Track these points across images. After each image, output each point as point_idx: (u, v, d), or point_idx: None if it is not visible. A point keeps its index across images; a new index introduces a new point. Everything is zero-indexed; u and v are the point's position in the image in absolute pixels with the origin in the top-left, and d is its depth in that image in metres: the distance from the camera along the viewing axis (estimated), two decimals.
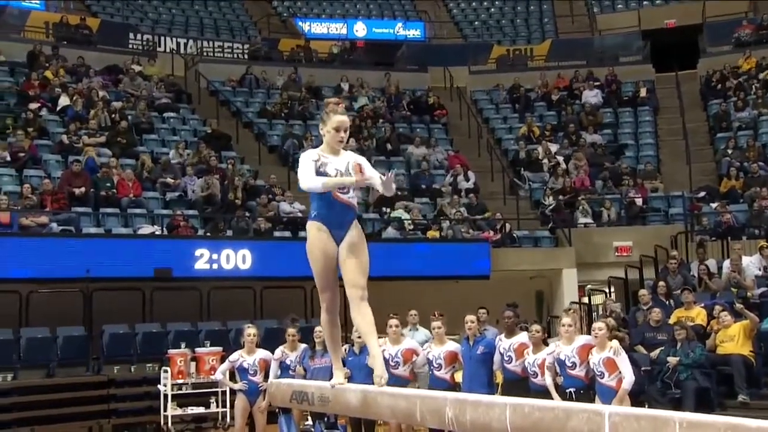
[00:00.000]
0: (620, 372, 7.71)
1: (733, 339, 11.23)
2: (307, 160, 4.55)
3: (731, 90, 20.78)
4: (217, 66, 22.31)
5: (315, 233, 4.52)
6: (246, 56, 23.49)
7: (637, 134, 21.12)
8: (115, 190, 15.15)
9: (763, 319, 12.17)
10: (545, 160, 19.37)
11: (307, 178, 4.48)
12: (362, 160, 4.72)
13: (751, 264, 13.75)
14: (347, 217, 4.56)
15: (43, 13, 21.98)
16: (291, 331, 9.32)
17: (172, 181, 16.16)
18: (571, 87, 22.40)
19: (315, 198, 4.57)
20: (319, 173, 4.47)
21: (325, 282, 4.54)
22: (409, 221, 16.89)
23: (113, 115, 17.59)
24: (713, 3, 24.41)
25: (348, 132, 4.63)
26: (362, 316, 4.42)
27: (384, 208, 17.33)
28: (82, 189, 14.72)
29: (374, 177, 4.65)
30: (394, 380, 8.17)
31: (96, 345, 13.23)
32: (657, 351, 11.24)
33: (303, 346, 9.34)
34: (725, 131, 19.73)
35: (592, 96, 21.70)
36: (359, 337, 9.29)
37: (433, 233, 16.69)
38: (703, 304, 12.32)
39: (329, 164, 4.49)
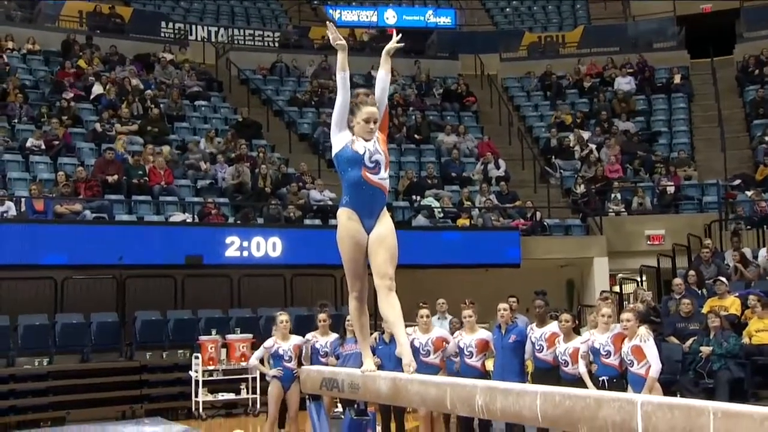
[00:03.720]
0: (648, 359, 7.64)
1: None
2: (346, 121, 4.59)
3: None
4: (247, 54, 22.39)
5: (345, 221, 4.48)
6: (277, 44, 23.60)
7: (671, 122, 20.89)
8: (147, 178, 15.29)
9: None
10: (577, 148, 19.24)
11: (345, 93, 4.50)
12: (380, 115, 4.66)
13: None
14: (378, 202, 4.50)
15: (77, 3, 22.12)
16: (322, 316, 9.33)
17: (203, 165, 16.30)
18: (603, 74, 22.19)
19: (345, 181, 4.51)
20: (346, 147, 4.46)
21: (354, 271, 4.49)
22: (440, 209, 16.86)
23: (145, 104, 17.72)
24: None
25: (378, 122, 4.54)
26: (390, 307, 4.37)
27: (414, 196, 17.33)
28: (115, 177, 14.88)
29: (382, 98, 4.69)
30: (425, 368, 8.20)
31: (129, 331, 13.42)
32: (690, 341, 11.15)
33: (334, 335, 9.34)
34: (762, 118, 19.48)
35: (625, 83, 21.49)
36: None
37: (463, 221, 16.65)
38: (737, 294, 12.20)
39: (358, 142, 4.48)
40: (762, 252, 13.93)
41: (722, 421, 2.56)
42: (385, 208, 4.57)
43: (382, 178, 4.48)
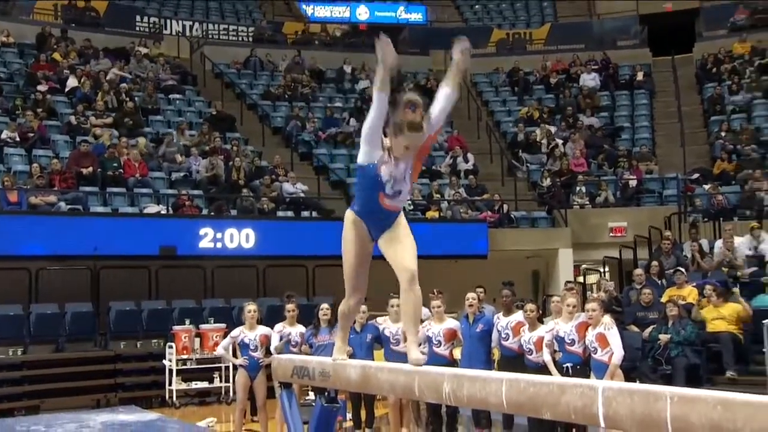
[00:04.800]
0: (611, 347, 7.74)
1: (724, 318, 11.30)
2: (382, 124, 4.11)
3: (726, 74, 20.74)
4: (222, 48, 22.35)
5: (350, 225, 4.22)
6: (250, 39, 23.50)
7: (634, 117, 21.09)
8: (121, 170, 15.16)
9: (751, 299, 12.26)
10: (543, 142, 19.36)
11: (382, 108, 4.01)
12: (428, 132, 4.10)
13: (741, 244, 13.79)
14: (389, 220, 4.18)
15: None
16: (290, 306, 9.29)
17: (178, 158, 16.24)
18: (569, 71, 22.35)
19: (360, 193, 4.22)
20: (370, 167, 4.06)
21: (352, 273, 4.27)
22: (410, 201, 16.89)
23: (120, 97, 17.59)
24: None
25: (417, 149, 4.08)
26: (407, 302, 4.08)
27: None
28: (90, 169, 14.73)
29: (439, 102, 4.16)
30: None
31: (103, 321, 13.31)
32: (649, 329, 11.30)
33: (301, 326, 9.28)
34: (719, 114, 19.73)
35: (589, 79, 21.66)
36: (360, 314, 9.34)
37: (432, 213, 16.71)
38: (695, 284, 12.36)
39: (386, 165, 4.06)
40: (718, 243, 14.09)
41: (678, 405, 2.61)
42: (399, 217, 4.25)
43: (399, 201, 4.17)
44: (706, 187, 17.12)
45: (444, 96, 4.11)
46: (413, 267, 4.05)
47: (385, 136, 4.08)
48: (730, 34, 22.34)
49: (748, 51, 21.15)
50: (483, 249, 15.63)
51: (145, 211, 14.48)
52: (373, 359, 8.71)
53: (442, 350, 8.82)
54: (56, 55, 18.72)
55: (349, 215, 4.21)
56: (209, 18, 24.16)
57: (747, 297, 12.30)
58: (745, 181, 16.82)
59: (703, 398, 2.57)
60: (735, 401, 2.46)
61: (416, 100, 4.01)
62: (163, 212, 14.51)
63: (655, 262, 13.40)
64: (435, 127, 4.09)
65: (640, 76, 21.78)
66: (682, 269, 12.88)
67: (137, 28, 22.19)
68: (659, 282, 12.90)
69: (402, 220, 4.21)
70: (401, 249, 4.10)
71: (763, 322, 11.04)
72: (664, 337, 10.96)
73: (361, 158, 4.10)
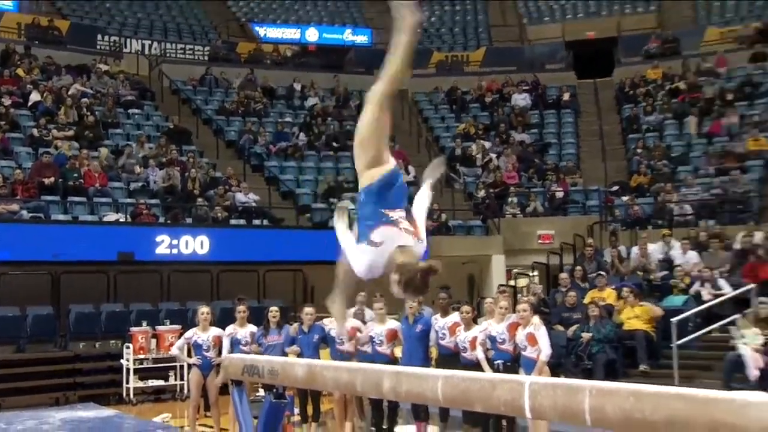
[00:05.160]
0: (540, 345, 7.87)
1: (638, 317, 11.56)
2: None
3: (641, 96, 21.16)
4: (179, 66, 22.06)
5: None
6: (206, 58, 23.26)
7: (560, 134, 21.40)
8: (82, 180, 14.91)
9: (662, 299, 12.59)
10: (478, 157, 19.55)
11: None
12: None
13: (655, 250, 14.13)
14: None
15: (16, 15, 21.43)
16: (241, 308, 9.24)
17: (136, 169, 16.05)
18: (502, 91, 22.62)
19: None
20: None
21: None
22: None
23: (81, 111, 17.28)
24: (627, 19, 24.97)
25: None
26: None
27: (332, 199, 17.32)
28: (52, 179, 14.45)
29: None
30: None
31: (63, 323, 13.13)
32: (573, 328, 11.51)
33: (251, 326, 9.25)
34: (636, 133, 20.09)
35: (521, 99, 21.94)
36: (309, 315, 9.33)
37: None
38: (614, 286, 12.61)
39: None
40: (634, 250, 14.40)
41: (596, 397, 2.68)
42: None
43: None
44: (624, 198, 17.45)
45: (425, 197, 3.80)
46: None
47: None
48: (645, 61, 22.83)
49: (660, 76, 21.66)
50: (424, 255, 15.65)
51: (104, 219, 14.29)
52: (319, 358, 8.72)
53: (384, 349, 8.87)
54: (20, 71, 18.31)
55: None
56: (167, 37, 23.84)
57: (658, 298, 12.65)
58: (657, 194, 17.17)
59: (617, 390, 2.65)
60: (645, 392, 2.55)
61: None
62: (121, 220, 14.33)
63: (578, 267, 13.65)
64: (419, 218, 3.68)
65: (566, 96, 22.13)
66: (603, 273, 13.14)
67: (98, 47, 21.77)
68: (582, 285, 13.13)
69: None
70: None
71: (672, 320, 11.38)
72: (586, 336, 11.17)
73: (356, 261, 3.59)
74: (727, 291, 12.14)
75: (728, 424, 2.19)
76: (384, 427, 9.04)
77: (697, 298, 12.30)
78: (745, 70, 20.91)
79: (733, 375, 9.92)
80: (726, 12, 24.71)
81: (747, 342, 10.02)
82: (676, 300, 12.52)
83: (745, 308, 11.30)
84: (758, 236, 13.44)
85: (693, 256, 13.49)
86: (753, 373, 9.67)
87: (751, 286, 11.92)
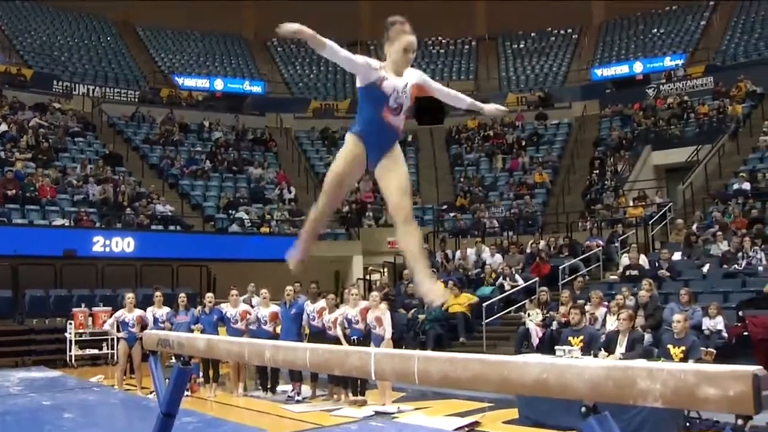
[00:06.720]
0: (384, 325, 7.99)
1: (460, 303, 11.94)
2: (364, 57, 2.94)
3: (464, 140, 21.94)
4: (115, 105, 21.43)
5: (348, 143, 3.04)
6: (137, 99, 22.54)
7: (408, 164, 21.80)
8: (37, 193, 14.60)
9: (476, 289, 13.05)
10: None
11: (342, 51, 2.84)
12: (424, 80, 3.12)
13: (471, 253, 14.65)
14: (389, 140, 3.03)
15: None
16: (158, 294, 9.30)
17: (75, 183, 15.65)
18: None
19: (362, 114, 3.02)
20: (372, 85, 2.92)
21: (334, 182, 3.06)
22: (248, 221, 16.64)
23: (38, 138, 16.86)
24: (453, 84, 25.33)
25: (414, 53, 2.99)
26: (409, 237, 2.93)
27: (231, 211, 17.02)
28: (13, 191, 14.19)
29: (452, 92, 3.31)
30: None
31: (20, 304, 12.83)
32: (412, 311, 11.74)
33: (167, 308, 9.31)
34: (460, 166, 20.78)
35: None
36: (210, 301, 9.07)
37: (265, 229, 16.50)
38: (442, 280, 12.95)
39: (388, 80, 2.94)
40: (458, 253, 14.88)
41: (423, 362, 2.74)
42: (396, 144, 3.09)
43: (401, 119, 3.04)
44: (452, 214, 18.02)
45: (460, 95, 3.29)
46: (408, 206, 2.98)
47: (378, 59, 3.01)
48: (466, 114, 23.64)
49: (477, 126, 22.53)
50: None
51: (54, 223, 13.97)
52: (218, 334, 8.52)
53: (268, 327, 8.80)
54: None
55: (349, 136, 3.04)
56: (107, 83, 23.04)
57: (473, 289, 13.11)
58: (474, 212, 17.84)
59: (438, 357, 2.73)
60: (457, 358, 2.64)
61: (400, 18, 2.98)
62: (66, 224, 14.00)
63: None
64: (426, 84, 3.12)
65: (410, 138, 22.62)
66: (435, 270, 13.47)
67: (54, 89, 20.99)
68: None
69: (398, 150, 3.06)
70: (396, 182, 2.97)
71: (483, 304, 11.84)
72: (421, 317, 11.42)
73: (360, 82, 2.97)
74: (521, 283, 12.62)
75: (512, 379, 2.30)
76: (268, 386, 8.92)
77: (501, 288, 12.72)
78: (533, 124, 22.17)
79: (523, 343, 10.29)
80: (520, 83, 26.18)
81: (532, 319, 10.45)
82: (485, 290, 12.91)
83: (532, 295, 11.79)
84: (542, 243, 14.22)
85: (498, 257, 13.99)
86: (535, 341, 10.15)
87: (536, 279, 12.46)
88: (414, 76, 3.04)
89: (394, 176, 2.98)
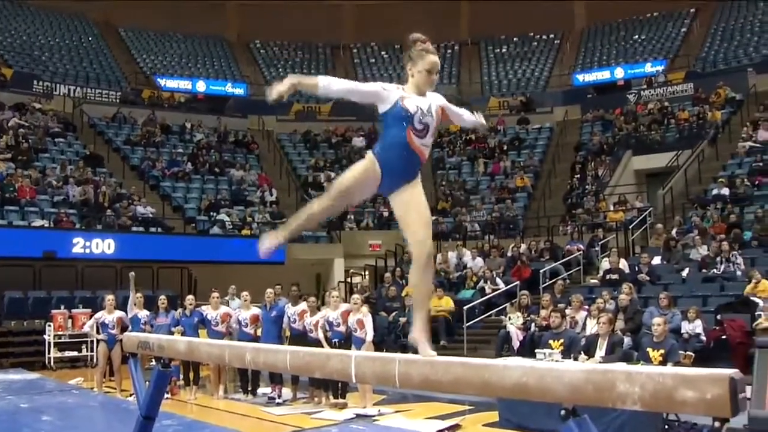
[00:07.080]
0: (366, 328, 7.97)
1: (441, 306, 11.95)
2: (376, 83, 2.86)
3: (446, 143, 22.02)
4: (96, 106, 21.08)
5: (365, 162, 2.87)
6: (118, 100, 22.25)
7: None
8: (16, 193, 14.35)
9: (457, 292, 13.09)
10: (326, 183, 19.61)
11: (344, 83, 2.77)
12: (445, 103, 2.97)
13: (452, 257, 14.70)
14: (412, 167, 2.83)
15: None
16: (138, 295, 9.18)
17: (55, 184, 15.38)
18: (345, 134, 22.88)
19: (385, 137, 2.82)
20: (394, 106, 2.77)
21: (339, 193, 2.93)
22: (230, 222, 16.53)
23: (18, 139, 16.56)
24: (436, 88, 25.83)
25: (438, 73, 2.89)
26: (419, 288, 2.90)
27: (212, 213, 16.91)
28: None
29: (464, 113, 3.16)
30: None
31: None
32: (393, 314, 11.74)
33: (146, 311, 9.20)
34: (442, 170, 20.85)
35: (358, 141, 22.24)
36: (190, 303, 9.00)
37: (246, 232, 16.42)
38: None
39: (409, 99, 2.79)
40: (439, 256, 14.90)
41: (403, 365, 2.75)
42: (418, 176, 2.89)
43: (425, 144, 2.82)
44: (434, 218, 17.99)
45: (469, 115, 3.18)
46: (431, 243, 2.84)
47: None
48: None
49: (458, 129, 22.61)
50: (281, 257, 15.51)
51: (33, 224, 13.77)
52: (198, 336, 8.46)
53: (249, 330, 8.73)
54: None
55: (369, 155, 2.86)
56: (88, 84, 22.67)
57: (455, 291, 13.14)
58: (456, 215, 17.92)
59: (418, 360, 2.74)
60: (437, 361, 2.65)
61: (422, 36, 2.90)
62: (46, 225, 13.81)
63: (398, 269, 13.95)
64: (447, 108, 2.97)
65: None
66: None
67: (34, 89, 20.64)
68: (401, 282, 13.41)
69: (419, 184, 2.87)
70: (417, 217, 2.81)
71: (464, 307, 11.87)
72: (402, 320, 11.41)
73: (381, 108, 2.81)
74: (502, 286, 12.66)
75: (493, 382, 2.31)
76: (249, 388, 8.86)
77: (482, 292, 12.75)
78: (515, 129, 22.32)
79: (504, 346, 10.32)
80: (502, 88, 26.34)
81: (513, 322, 10.51)
82: (466, 293, 12.96)
83: (513, 299, 11.82)
84: (523, 247, 14.31)
85: (479, 261, 14.03)
86: (516, 344, 10.18)
87: (517, 282, 12.49)
88: (438, 98, 2.90)
89: (416, 208, 2.80)
